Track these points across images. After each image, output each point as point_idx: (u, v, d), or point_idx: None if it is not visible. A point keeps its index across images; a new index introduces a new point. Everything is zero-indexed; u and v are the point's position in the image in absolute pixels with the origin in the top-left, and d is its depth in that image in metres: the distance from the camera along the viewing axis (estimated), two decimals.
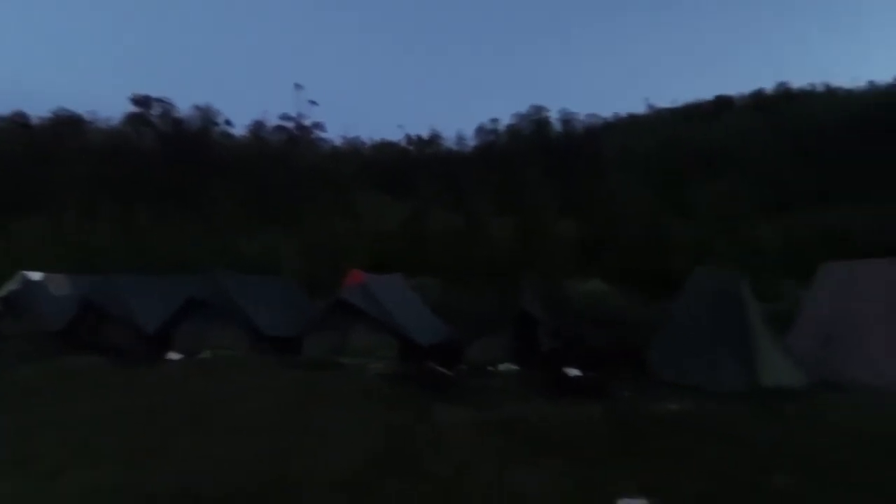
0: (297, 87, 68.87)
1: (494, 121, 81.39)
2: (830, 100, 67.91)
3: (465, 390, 10.31)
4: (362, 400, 9.37)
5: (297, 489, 5.33)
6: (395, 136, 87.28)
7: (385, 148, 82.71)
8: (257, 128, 65.53)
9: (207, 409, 8.57)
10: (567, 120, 78.20)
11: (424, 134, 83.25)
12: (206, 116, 61.65)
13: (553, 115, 77.49)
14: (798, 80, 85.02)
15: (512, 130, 78.60)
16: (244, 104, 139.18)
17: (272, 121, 66.22)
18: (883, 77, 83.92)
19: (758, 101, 75.62)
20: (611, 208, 33.94)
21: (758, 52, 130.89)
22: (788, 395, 9.33)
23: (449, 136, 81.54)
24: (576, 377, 10.37)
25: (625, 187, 36.83)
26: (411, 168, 61.64)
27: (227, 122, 64.92)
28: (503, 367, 12.60)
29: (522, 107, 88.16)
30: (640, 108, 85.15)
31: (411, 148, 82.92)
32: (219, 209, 36.91)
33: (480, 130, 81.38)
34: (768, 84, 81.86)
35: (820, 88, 75.62)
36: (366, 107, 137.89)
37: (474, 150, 78.65)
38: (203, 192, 40.73)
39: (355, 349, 14.16)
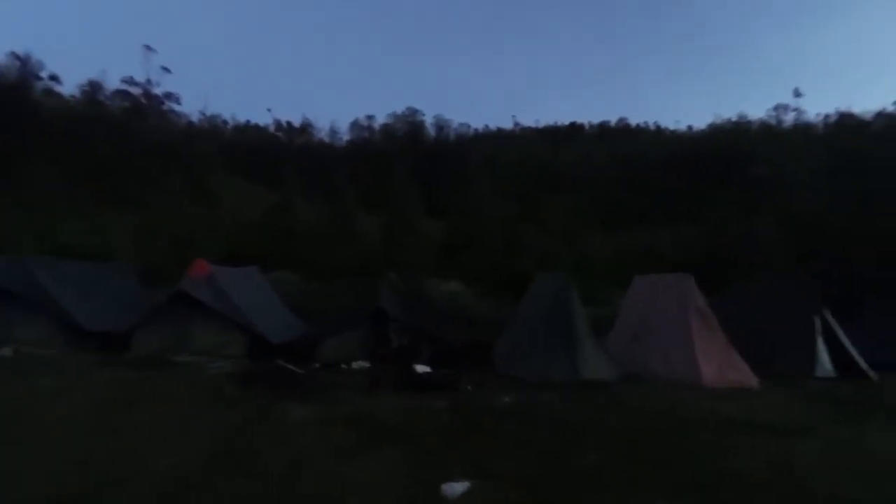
0: (148, 49, 60.36)
1: (370, 117, 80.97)
2: (658, 138, 79.84)
3: (314, 388, 10.16)
4: (197, 400, 8.74)
5: (111, 497, 4.83)
6: (263, 119, 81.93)
7: (250, 131, 77.40)
8: (93, 89, 56.31)
9: (3, 415, 7.30)
10: (441, 126, 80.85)
11: (296, 121, 79.74)
12: (26, 68, 51.34)
13: (428, 120, 79.58)
14: (635, 118, 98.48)
15: (386, 129, 78.92)
16: (77, 60, 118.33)
17: (113, 84, 57.59)
18: (698, 123, 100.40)
19: (602, 132, 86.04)
20: (473, 214, 35.96)
21: (603, 88, 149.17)
22: (602, 385, 10.85)
23: (322, 127, 79.01)
24: (425, 373, 10.84)
25: (487, 195, 39.28)
26: (278, 156, 58.35)
27: (53, 78, 54.86)
28: (357, 364, 12.65)
29: (398, 107, 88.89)
30: (507, 124, 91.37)
31: (280, 135, 78.77)
32: (35, 180, 31.05)
33: (355, 125, 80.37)
34: (612, 118, 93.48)
35: (651, 127, 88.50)
36: (232, 84, 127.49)
37: (348, 144, 77.45)
38: (13, 159, 33.91)
39: (197, 347, 13.05)
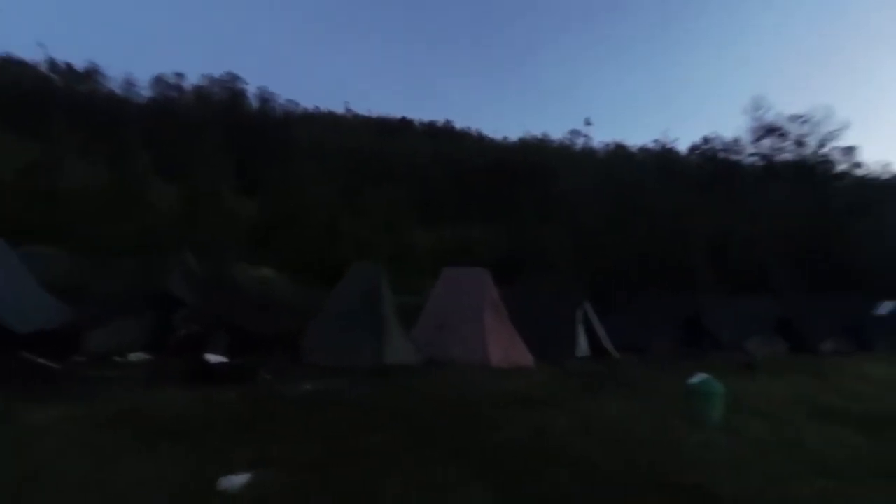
0: None
1: (179, 75, 71.12)
2: (479, 143, 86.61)
3: (74, 385, 8.59)
4: None
5: None
6: (32, 56, 65.62)
7: (10, 68, 61.38)
8: None
9: None
10: (265, 99, 75.18)
11: (78, 65, 65.90)
12: None
13: (251, 90, 73.22)
14: (460, 123, 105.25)
15: (199, 92, 70.31)
16: None
17: None
18: (512, 135, 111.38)
19: (430, 130, 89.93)
20: (293, 196, 34.23)
21: (434, 89, 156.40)
22: (404, 371, 11.40)
23: (114, 77, 66.76)
24: (218, 363, 9.99)
25: (309, 178, 37.79)
26: (47, 102, 47.41)
27: None
28: (135, 356, 11.03)
29: (217, 70, 79.54)
30: (339, 109, 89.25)
31: (55, 77, 64.23)
32: None
33: (160, 81, 69.74)
34: (440, 119, 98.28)
35: (474, 133, 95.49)
36: None
37: (148, 101, 66.79)
38: None
39: None
